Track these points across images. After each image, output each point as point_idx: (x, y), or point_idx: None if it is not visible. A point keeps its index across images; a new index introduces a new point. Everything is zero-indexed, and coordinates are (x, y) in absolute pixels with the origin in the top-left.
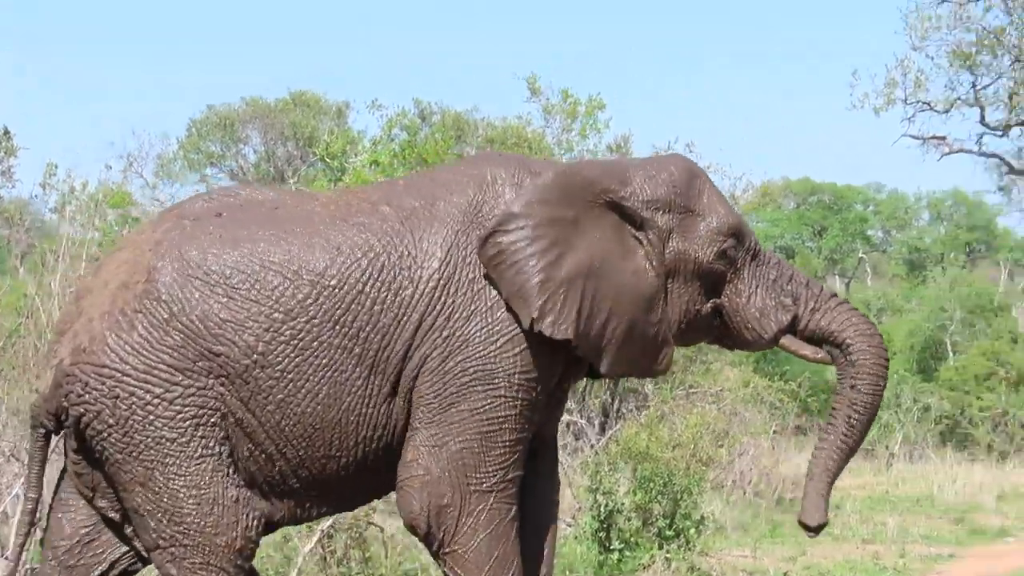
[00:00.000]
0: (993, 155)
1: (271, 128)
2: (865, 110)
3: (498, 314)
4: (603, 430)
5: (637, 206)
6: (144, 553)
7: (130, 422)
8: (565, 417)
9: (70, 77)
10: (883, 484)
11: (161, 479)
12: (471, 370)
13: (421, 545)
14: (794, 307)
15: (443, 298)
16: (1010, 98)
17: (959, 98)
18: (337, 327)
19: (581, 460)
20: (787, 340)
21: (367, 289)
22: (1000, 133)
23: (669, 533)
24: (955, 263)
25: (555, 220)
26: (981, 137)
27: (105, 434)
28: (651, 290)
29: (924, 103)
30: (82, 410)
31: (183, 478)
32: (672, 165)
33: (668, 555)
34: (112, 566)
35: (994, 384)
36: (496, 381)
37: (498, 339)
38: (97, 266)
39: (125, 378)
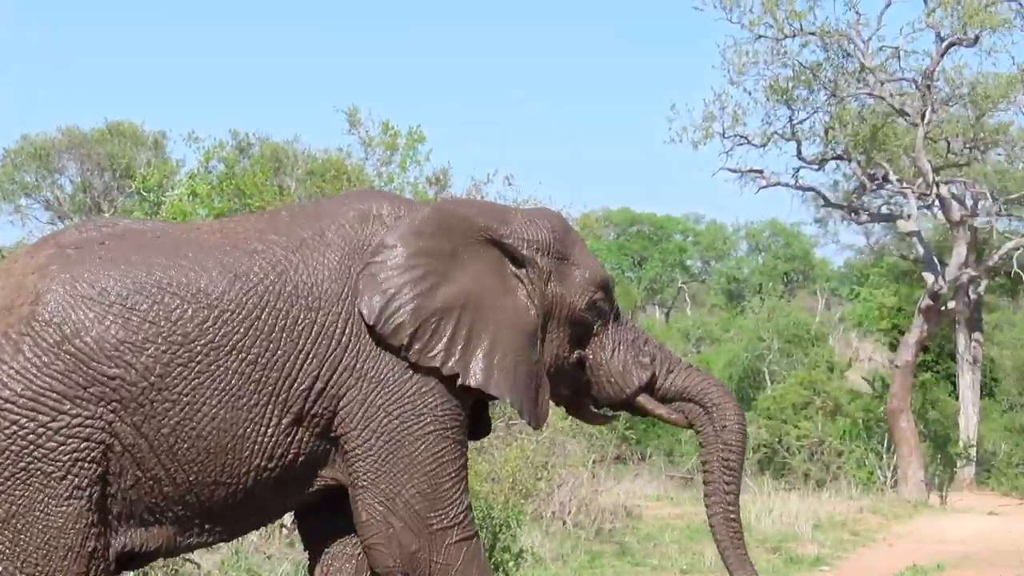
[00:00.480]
0: (809, 188)
1: (88, 159)
2: (684, 143)
3: None
4: None
5: (518, 244)
6: None
7: (6, 453)
8: None
9: None
10: (701, 514)
11: (25, 517)
12: (396, 414)
13: None
14: (652, 366)
15: (348, 336)
16: (826, 132)
17: (776, 132)
18: (235, 352)
19: None
20: (643, 399)
21: (264, 315)
22: (816, 167)
23: None
24: (773, 293)
25: (430, 251)
26: (798, 171)
27: None
28: (532, 328)
29: (742, 137)
30: None
31: (48, 518)
32: (549, 214)
33: None
34: None
35: (811, 413)
36: (423, 419)
37: (412, 375)
38: None
39: (7, 405)
